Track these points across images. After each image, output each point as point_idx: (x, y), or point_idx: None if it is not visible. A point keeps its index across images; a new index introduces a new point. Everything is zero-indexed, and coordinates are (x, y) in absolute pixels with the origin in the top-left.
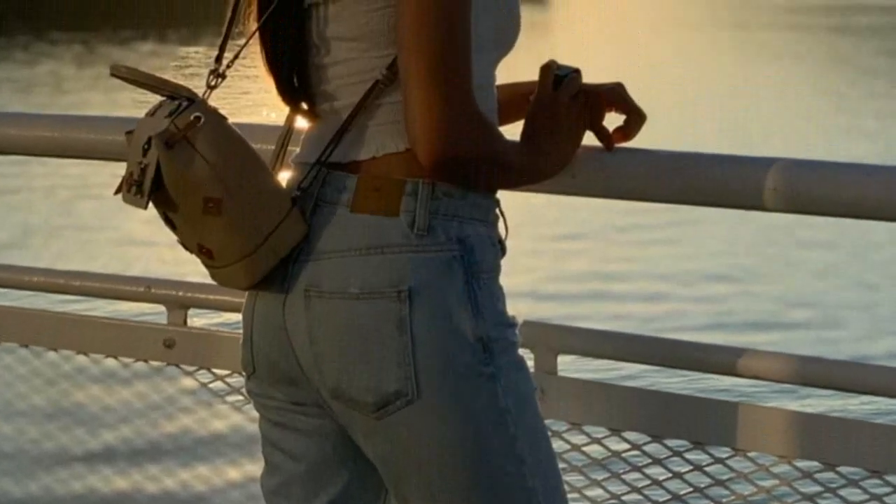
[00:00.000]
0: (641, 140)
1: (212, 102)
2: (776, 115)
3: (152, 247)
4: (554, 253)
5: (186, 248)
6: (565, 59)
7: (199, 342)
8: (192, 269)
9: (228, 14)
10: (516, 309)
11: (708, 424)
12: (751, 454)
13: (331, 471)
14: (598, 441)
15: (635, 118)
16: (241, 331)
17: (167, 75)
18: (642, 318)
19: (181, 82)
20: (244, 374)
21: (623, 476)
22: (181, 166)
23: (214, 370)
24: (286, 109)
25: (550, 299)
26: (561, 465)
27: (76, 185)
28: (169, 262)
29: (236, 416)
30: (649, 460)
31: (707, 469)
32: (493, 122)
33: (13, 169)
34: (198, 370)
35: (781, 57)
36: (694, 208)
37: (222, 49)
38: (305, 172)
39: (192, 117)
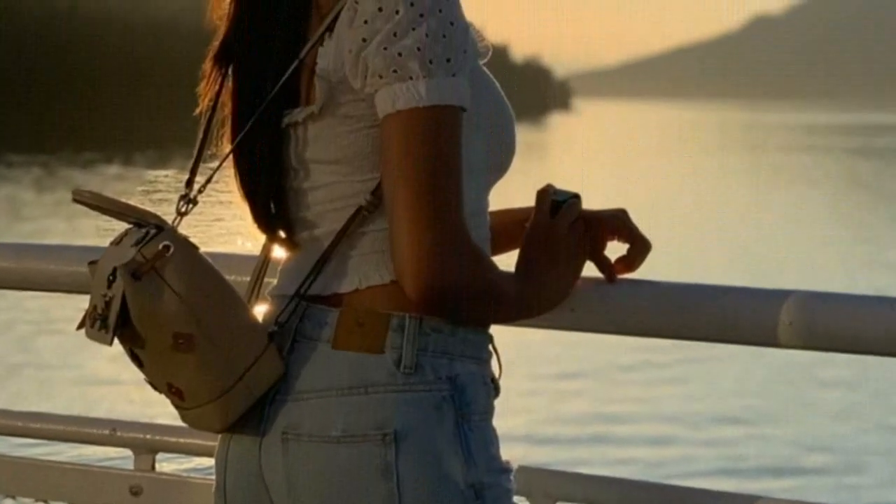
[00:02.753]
0: (645, 271)
1: (182, 230)
2: (791, 243)
3: (118, 386)
4: (552, 393)
5: (155, 387)
6: (563, 184)
7: (169, 489)
8: (161, 411)
9: (200, 135)
10: (511, 453)
11: None
12: None
13: None
14: None
15: (639, 247)
16: (213, 477)
17: (134, 201)
18: (648, 463)
19: (149, 208)
20: None
21: None
22: (149, 299)
23: None
24: (262, 238)
25: (548, 443)
26: None
27: (36, 320)
28: (136, 403)
29: None
30: None
31: None
32: (485, 252)
33: None
34: None
35: (796, 181)
36: (703, 345)
37: (193, 172)
38: (283, 306)
39: (160, 246)
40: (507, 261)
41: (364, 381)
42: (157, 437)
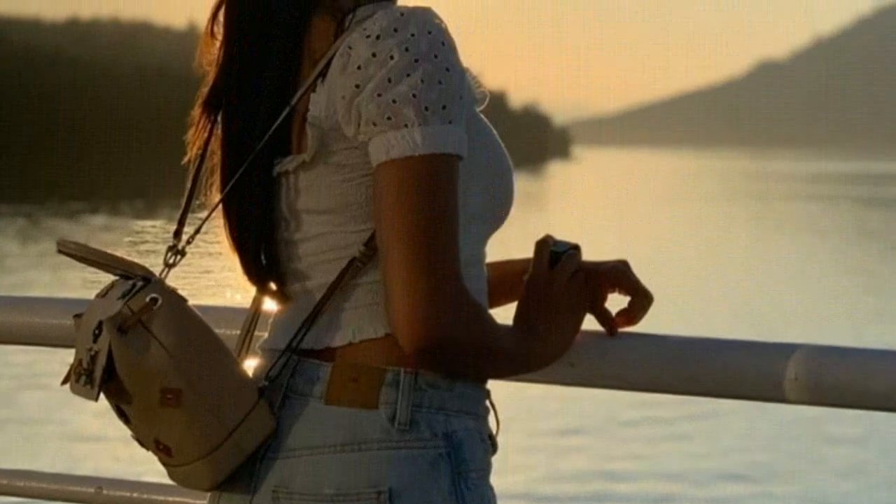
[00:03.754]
0: (647, 324)
1: (170, 282)
2: (797, 296)
3: (104, 442)
4: (551, 449)
5: (142, 443)
6: (563, 234)
7: None
8: (149, 468)
9: (188, 184)
10: None
11: None
12: None
13: None
14: None
15: (641, 300)
16: None
17: (120, 252)
18: None
19: (135, 260)
20: None
21: None
22: (136, 353)
23: None
24: (252, 290)
25: (547, 501)
26: None
27: (20, 374)
28: (123, 460)
29: None
30: None
31: None
32: (482, 305)
33: None
34: None
35: (803, 231)
36: (707, 400)
37: (181, 223)
38: (274, 360)
39: (147, 299)
40: (504, 314)
41: (358, 438)
42: (145, 496)
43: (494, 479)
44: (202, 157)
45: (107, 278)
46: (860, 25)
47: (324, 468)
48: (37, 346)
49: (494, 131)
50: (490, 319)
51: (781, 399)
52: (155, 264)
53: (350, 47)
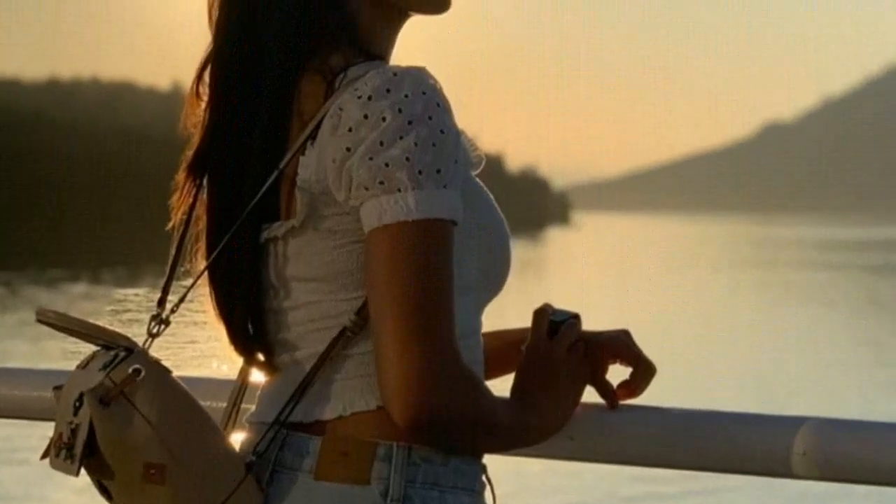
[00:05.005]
0: (650, 397)
1: (154, 353)
2: (805, 367)
3: None
4: None
5: None
6: (562, 303)
7: None
8: None
9: (173, 251)
10: None
11: None
12: None
13: None
14: None
15: (643, 371)
16: None
17: (102, 321)
18: None
19: (118, 329)
20: None
21: None
22: (118, 427)
23: None
24: (239, 361)
25: None
26: None
27: None
28: None
29: None
30: None
31: None
32: (478, 377)
33: None
34: None
35: (811, 300)
36: (712, 475)
37: (165, 291)
38: (262, 434)
39: (130, 370)
40: (502, 386)
41: None
42: None
43: None
44: (187, 222)
45: (88, 349)
46: (870, 86)
47: None
48: (15, 420)
49: (491, 196)
50: (486, 392)
51: (789, 474)
52: (138, 334)
53: (341, 108)
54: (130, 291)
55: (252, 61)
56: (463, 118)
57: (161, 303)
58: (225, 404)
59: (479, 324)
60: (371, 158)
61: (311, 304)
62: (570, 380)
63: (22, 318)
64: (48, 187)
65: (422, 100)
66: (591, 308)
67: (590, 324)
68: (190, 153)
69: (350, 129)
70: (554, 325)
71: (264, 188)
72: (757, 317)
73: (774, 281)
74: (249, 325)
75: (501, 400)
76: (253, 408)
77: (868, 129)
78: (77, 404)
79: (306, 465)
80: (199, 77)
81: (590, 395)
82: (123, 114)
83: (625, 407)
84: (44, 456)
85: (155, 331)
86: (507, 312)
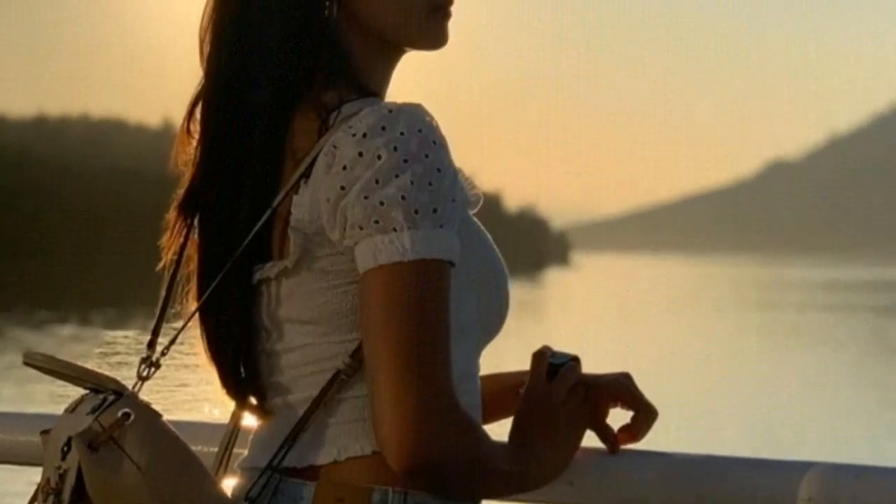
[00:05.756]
0: (651, 441)
1: (143, 396)
2: (811, 411)
3: None
4: None
5: None
6: (561, 345)
7: None
8: None
9: (163, 292)
10: None
11: None
12: None
13: None
14: None
15: (644, 415)
16: None
17: (90, 364)
18: None
19: (107, 372)
20: None
21: None
22: (107, 472)
23: None
24: (231, 404)
25: None
26: None
27: None
28: None
29: None
30: None
31: None
32: (475, 421)
33: None
34: None
35: (817, 342)
36: None
37: (156, 333)
38: (254, 479)
39: (119, 414)
40: (500, 430)
41: None
42: None
43: None
44: (178, 263)
45: (76, 392)
46: (877, 123)
47: None
48: (2, 465)
49: (489, 236)
50: (484, 436)
51: None
52: (127, 377)
53: (335, 146)
54: (120, 333)
55: (244, 97)
56: (460, 156)
57: (151, 345)
58: (217, 449)
59: (476, 367)
60: (366, 197)
61: (304, 346)
62: (570, 424)
63: (8, 361)
64: (35, 226)
65: (418, 137)
66: (591, 351)
67: (590, 366)
68: (181, 192)
69: (344, 168)
70: (553, 367)
71: (256, 228)
72: (761, 359)
73: (779, 323)
74: (241, 368)
75: (500, 444)
76: (245, 453)
77: (875, 166)
78: (65, 449)
79: None
80: (191, 114)
81: (590, 440)
82: (113, 151)
83: (626, 451)
84: (31, 502)
85: (145, 374)
86: (506, 355)
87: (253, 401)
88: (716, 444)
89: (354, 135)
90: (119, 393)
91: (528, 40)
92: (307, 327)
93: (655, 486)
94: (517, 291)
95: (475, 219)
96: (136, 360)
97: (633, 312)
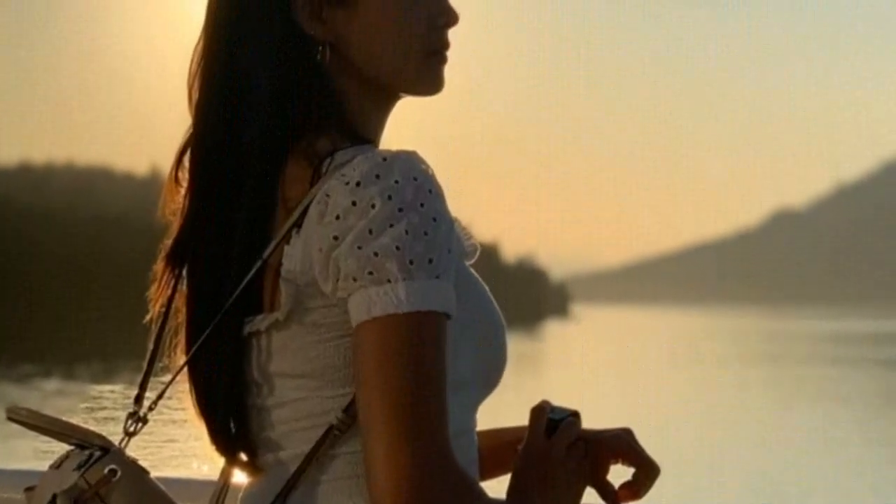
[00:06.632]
0: (654, 498)
1: (130, 452)
2: (817, 468)
3: None
4: None
5: None
6: (561, 400)
7: None
8: None
9: (151, 345)
10: None
11: None
12: None
13: None
14: None
15: (646, 471)
16: None
17: (76, 419)
18: None
19: (92, 428)
20: None
21: None
22: None
23: None
24: (221, 461)
25: None
26: None
27: None
28: None
29: None
30: None
31: None
32: (472, 478)
33: None
34: None
35: (823, 397)
36: None
37: (143, 388)
38: None
39: (105, 471)
40: (498, 487)
41: None
42: None
43: None
44: (166, 315)
45: (61, 448)
46: (886, 171)
47: None
48: None
49: (486, 287)
50: (481, 494)
51: None
52: (114, 433)
53: (328, 195)
54: (106, 388)
55: (235, 145)
56: (456, 205)
57: (138, 400)
58: None
59: (473, 422)
60: (360, 247)
61: (296, 401)
62: (570, 481)
63: None
64: (19, 277)
65: (413, 186)
66: (591, 405)
67: (590, 422)
68: (169, 242)
69: (337, 217)
70: (552, 423)
71: (247, 279)
72: (766, 414)
73: (785, 377)
74: (231, 424)
75: (498, 501)
76: None
77: (883, 216)
78: None
79: None
80: (179, 161)
81: (590, 497)
82: (99, 200)
83: None
84: None
85: (132, 429)
86: (504, 410)
87: (243, 457)
88: (720, 501)
89: (348, 183)
90: (105, 449)
91: (527, 87)
92: (299, 381)
93: None
94: (515, 344)
95: (472, 270)
96: (122, 414)
97: (635, 366)
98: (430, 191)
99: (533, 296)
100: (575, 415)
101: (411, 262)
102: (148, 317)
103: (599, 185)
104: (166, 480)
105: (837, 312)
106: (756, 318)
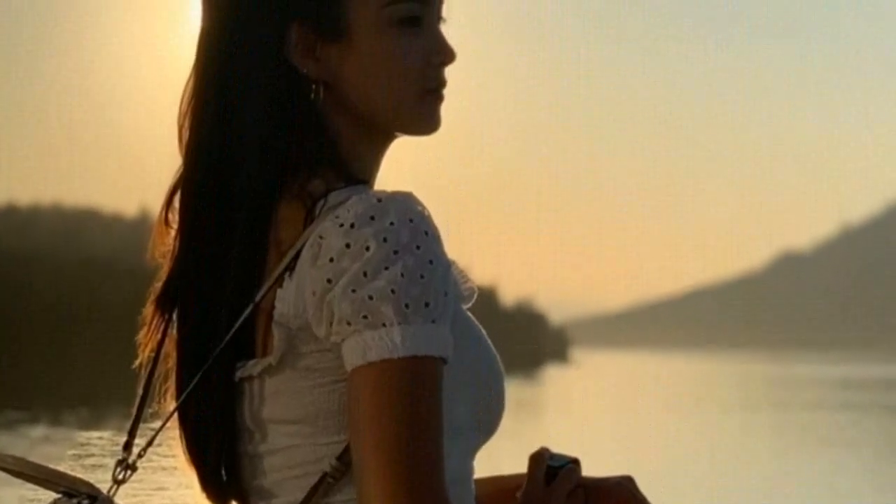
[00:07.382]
0: None
1: (119, 500)
2: None
3: None
4: None
5: None
6: (560, 447)
7: None
8: None
9: (140, 391)
10: None
11: None
12: None
13: None
14: None
15: None
16: None
17: (63, 467)
18: None
19: (80, 475)
20: None
21: None
22: None
23: None
24: None
25: None
26: None
27: None
28: None
29: None
30: None
31: None
32: None
33: None
34: None
35: (830, 443)
36: None
37: (132, 434)
38: None
39: None
40: None
41: None
42: None
43: None
44: (155, 360)
45: (47, 496)
46: (891, 213)
47: None
48: None
49: (483, 331)
50: None
51: None
52: (102, 480)
53: (321, 237)
54: (94, 434)
55: (226, 186)
56: (453, 247)
57: (127, 446)
58: None
59: (470, 469)
60: (354, 291)
61: (289, 448)
62: None
63: None
64: (4, 322)
65: (408, 227)
66: (591, 452)
67: (590, 469)
68: (158, 285)
69: (331, 260)
70: (552, 470)
71: (238, 323)
72: (771, 461)
73: (790, 423)
74: (223, 471)
75: None
76: None
77: (889, 258)
78: None
79: None
80: (169, 203)
81: None
82: (86, 243)
83: None
84: None
85: (121, 477)
86: (502, 457)
87: None
88: None
89: (342, 225)
90: (93, 497)
91: (526, 127)
92: (292, 428)
93: None
94: (514, 389)
95: (469, 313)
96: (111, 462)
97: (636, 412)
98: (426, 232)
99: (532, 340)
100: (575, 462)
101: (407, 306)
102: (137, 362)
103: (600, 227)
104: None
105: (844, 356)
106: (760, 362)
